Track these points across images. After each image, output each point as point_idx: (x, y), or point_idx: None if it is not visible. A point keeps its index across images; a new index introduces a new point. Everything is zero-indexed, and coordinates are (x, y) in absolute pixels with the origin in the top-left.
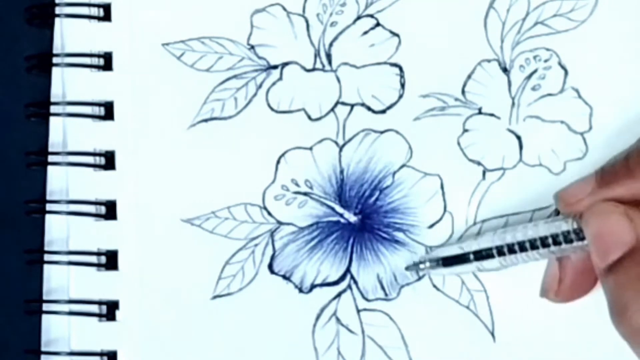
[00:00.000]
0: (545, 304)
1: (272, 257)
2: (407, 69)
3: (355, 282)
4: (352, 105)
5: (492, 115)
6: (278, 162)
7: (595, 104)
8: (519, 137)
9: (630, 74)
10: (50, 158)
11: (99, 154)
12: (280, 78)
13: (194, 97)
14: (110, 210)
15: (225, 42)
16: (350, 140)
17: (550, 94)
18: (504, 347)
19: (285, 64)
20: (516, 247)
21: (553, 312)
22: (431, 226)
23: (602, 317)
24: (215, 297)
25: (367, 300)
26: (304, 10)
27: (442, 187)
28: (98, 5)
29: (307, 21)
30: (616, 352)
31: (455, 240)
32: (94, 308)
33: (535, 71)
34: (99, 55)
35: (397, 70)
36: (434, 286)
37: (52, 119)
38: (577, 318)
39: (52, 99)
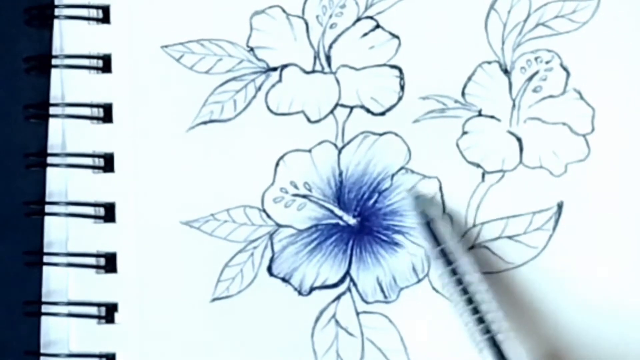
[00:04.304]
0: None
1: (271, 260)
2: (407, 71)
3: (355, 285)
4: (352, 108)
5: (492, 117)
6: (277, 164)
7: (598, 105)
8: (519, 139)
9: (634, 75)
10: (49, 160)
11: (98, 156)
12: (280, 80)
13: (193, 100)
14: (109, 213)
15: (225, 44)
16: (349, 142)
17: (551, 96)
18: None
19: (284, 66)
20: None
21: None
22: None
23: (598, 318)
24: (214, 299)
25: (366, 302)
26: (303, 12)
27: (441, 190)
28: (97, 7)
29: (306, 23)
30: (615, 352)
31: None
32: (93, 310)
33: (536, 73)
34: (97, 57)
35: (396, 72)
36: (434, 288)
37: (51, 121)
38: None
39: (51, 101)
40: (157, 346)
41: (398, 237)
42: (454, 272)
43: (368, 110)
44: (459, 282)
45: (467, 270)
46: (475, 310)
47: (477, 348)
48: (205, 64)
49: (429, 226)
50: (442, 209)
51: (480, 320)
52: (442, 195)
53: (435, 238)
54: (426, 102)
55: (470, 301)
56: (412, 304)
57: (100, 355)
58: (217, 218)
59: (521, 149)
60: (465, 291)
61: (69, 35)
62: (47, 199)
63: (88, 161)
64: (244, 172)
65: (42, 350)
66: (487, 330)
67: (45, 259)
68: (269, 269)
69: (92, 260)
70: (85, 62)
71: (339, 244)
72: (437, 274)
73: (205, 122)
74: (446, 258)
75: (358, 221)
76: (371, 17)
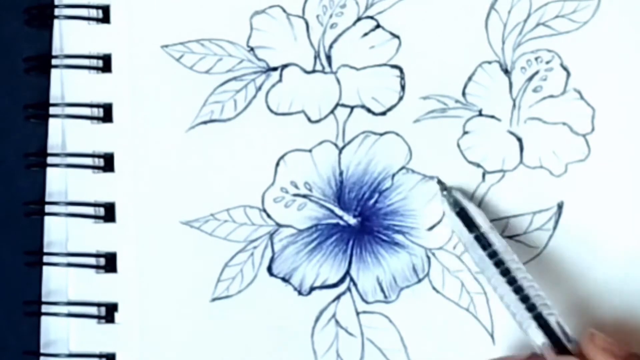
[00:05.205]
0: None
1: (272, 260)
2: (408, 71)
3: (355, 285)
4: (352, 107)
5: (492, 117)
6: (277, 164)
7: (598, 105)
8: (519, 139)
9: (634, 75)
10: (49, 159)
11: (98, 156)
12: (280, 80)
13: (193, 99)
14: (109, 212)
15: (225, 44)
16: (350, 142)
17: (552, 96)
18: (504, 349)
19: (284, 66)
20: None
21: None
22: (431, 228)
23: (598, 318)
24: (214, 299)
25: (366, 302)
26: (303, 12)
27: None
28: (97, 7)
29: (306, 23)
30: None
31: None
32: (93, 310)
33: (536, 73)
34: (97, 57)
35: (397, 72)
36: (434, 288)
37: (51, 121)
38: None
39: (51, 101)
40: (157, 346)
41: (398, 237)
42: (492, 255)
43: (369, 110)
44: (499, 264)
45: (505, 252)
46: (518, 290)
47: (523, 327)
48: (205, 63)
49: (461, 214)
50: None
51: (525, 299)
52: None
53: (469, 225)
54: (427, 102)
55: (512, 281)
56: (412, 304)
57: (100, 355)
58: (217, 218)
59: (521, 149)
60: (506, 272)
61: (69, 35)
62: (47, 199)
63: (88, 161)
64: (244, 172)
65: (42, 350)
66: (533, 308)
67: (45, 259)
68: (269, 268)
69: (92, 260)
70: (85, 62)
71: (339, 244)
72: (475, 260)
73: (205, 122)
74: (483, 242)
75: (358, 221)
76: (371, 17)
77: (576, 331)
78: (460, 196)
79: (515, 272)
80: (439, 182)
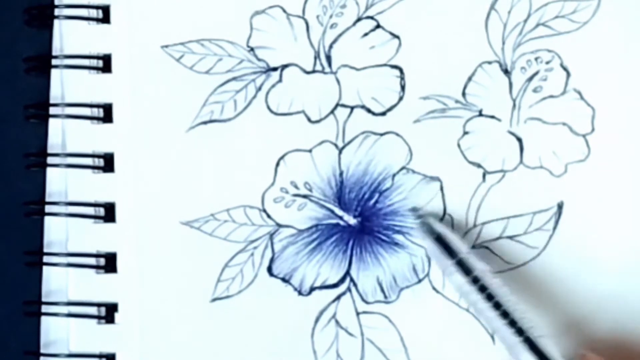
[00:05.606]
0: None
1: (272, 260)
2: (408, 71)
3: (355, 285)
4: (352, 108)
5: (492, 117)
6: (277, 164)
7: (598, 105)
8: (519, 139)
9: (634, 75)
10: (49, 160)
11: (98, 156)
12: (280, 80)
13: (193, 100)
14: (109, 213)
15: (225, 44)
16: (350, 142)
17: (552, 96)
18: (504, 349)
19: (284, 66)
20: (489, 302)
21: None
22: None
23: (597, 320)
24: (214, 299)
25: (366, 302)
26: (303, 12)
27: (441, 190)
28: (97, 7)
29: (307, 23)
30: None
31: (462, 236)
32: (93, 310)
33: (536, 73)
34: (98, 57)
35: (397, 72)
36: (434, 289)
37: (51, 121)
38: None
39: (51, 101)
40: (157, 346)
41: (398, 237)
42: (475, 280)
43: (369, 110)
44: (483, 289)
45: (487, 275)
46: (505, 314)
47: (513, 352)
48: (205, 64)
49: (440, 241)
50: (441, 217)
51: (512, 323)
52: (442, 196)
53: (448, 251)
54: (427, 102)
55: (498, 306)
56: (412, 304)
57: (100, 355)
58: (217, 218)
59: (521, 149)
60: (491, 297)
61: (69, 35)
62: (47, 199)
63: (88, 161)
64: (244, 172)
65: (42, 350)
66: (521, 332)
67: (45, 259)
68: (269, 269)
69: (92, 260)
70: (85, 62)
71: (339, 244)
72: (455, 286)
73: (205, 122)
74: (465, 267)
75: (358, 221)
76: (371, 17)
77: (578, 334)
78: (435, 222)
79: (500, 296)
80: (413, 209)
